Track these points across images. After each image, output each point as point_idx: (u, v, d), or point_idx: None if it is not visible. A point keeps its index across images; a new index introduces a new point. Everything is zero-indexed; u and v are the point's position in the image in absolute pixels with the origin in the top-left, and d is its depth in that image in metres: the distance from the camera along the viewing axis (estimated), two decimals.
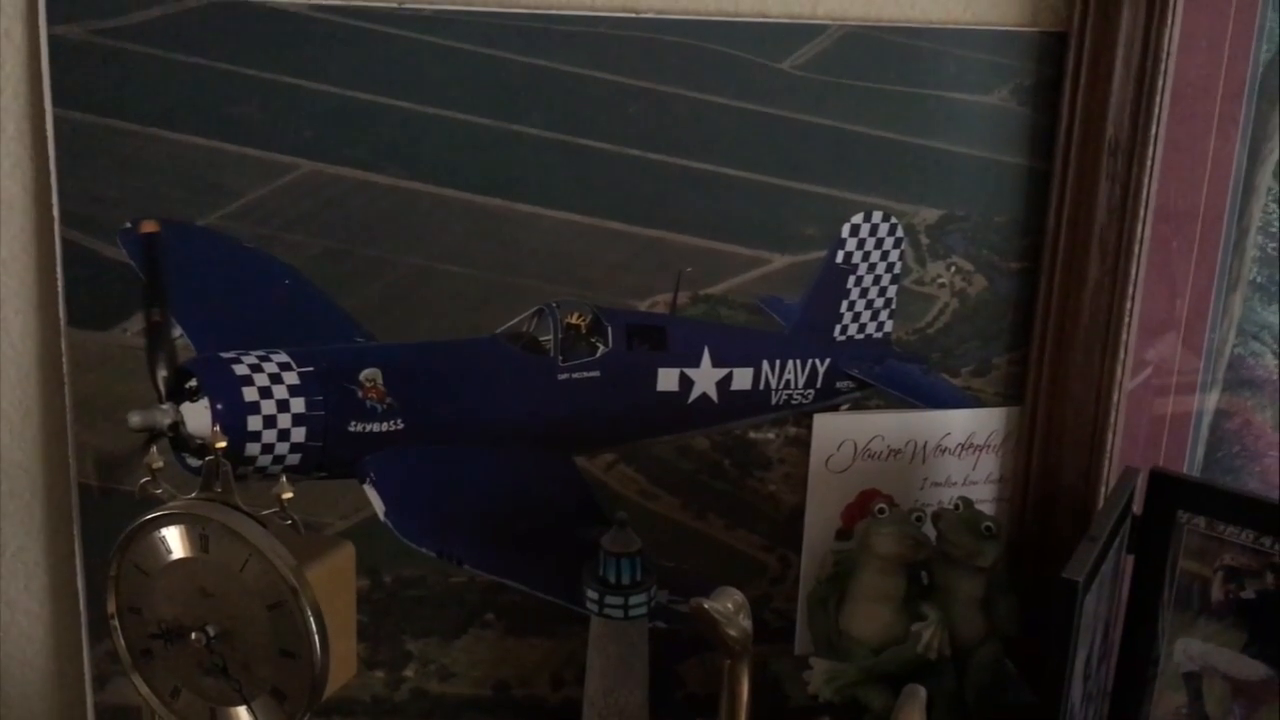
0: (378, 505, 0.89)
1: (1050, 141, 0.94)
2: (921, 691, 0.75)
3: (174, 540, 0.66)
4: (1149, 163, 0.92)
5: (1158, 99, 0.91)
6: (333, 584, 0.69)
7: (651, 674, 0.88)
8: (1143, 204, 0.93)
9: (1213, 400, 1.02)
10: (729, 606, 0.72)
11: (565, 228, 0.90)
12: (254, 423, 0.85)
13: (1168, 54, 0.90)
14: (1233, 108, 0.95)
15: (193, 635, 0.66)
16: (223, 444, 0.67)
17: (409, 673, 0.95)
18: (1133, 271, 0.94)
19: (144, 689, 0.70)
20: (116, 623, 0.69)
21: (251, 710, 0.67)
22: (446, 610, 0.94)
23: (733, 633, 0.72)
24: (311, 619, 0.64)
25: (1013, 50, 0.93)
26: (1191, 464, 1.03)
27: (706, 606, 0.71)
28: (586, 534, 0.91)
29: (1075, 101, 0.92)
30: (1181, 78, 0.92)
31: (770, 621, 0.99)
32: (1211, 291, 0.99)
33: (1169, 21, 0.90)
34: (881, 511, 0.90)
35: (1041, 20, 0.93)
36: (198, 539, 0.66)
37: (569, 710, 0.96)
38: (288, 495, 0.66)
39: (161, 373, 0.85)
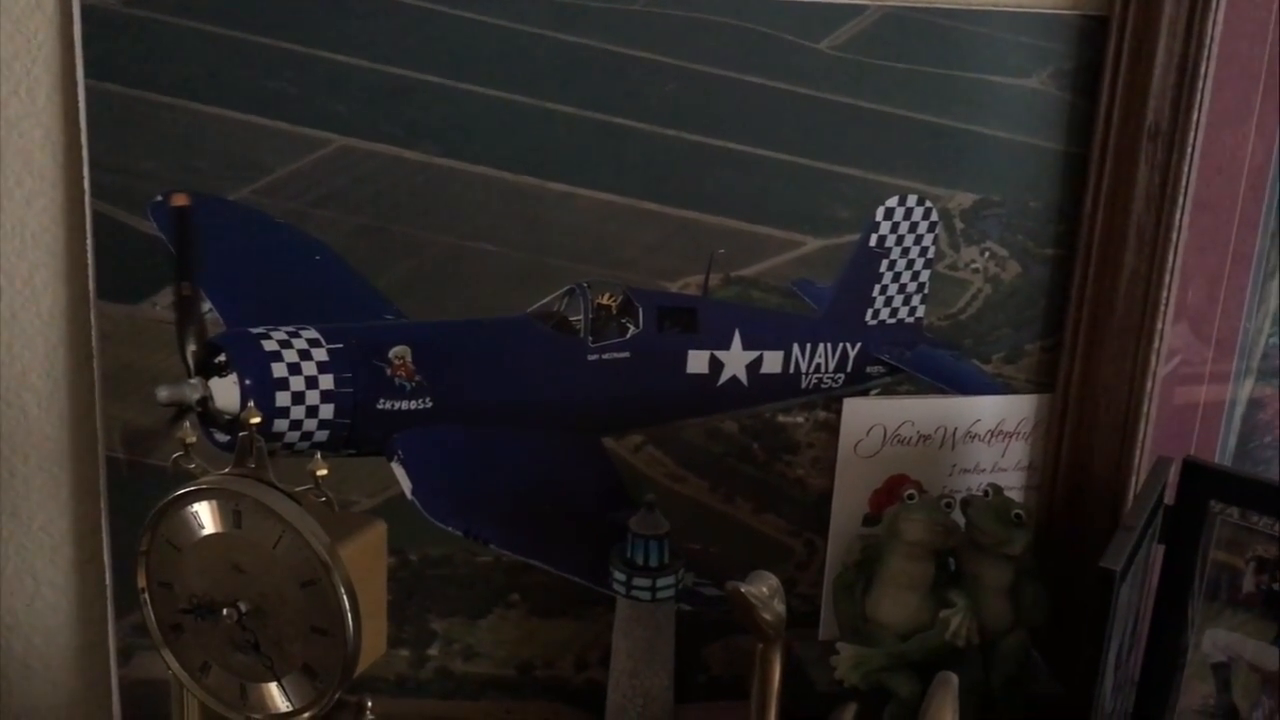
0: (405, 483, 0.89)
1: (1089, 127, 0.93)
2: (954, 679, 0.75)
3: (206, 515, 0.66)
4: (1189, 150, 0.91)
5: (1200, 85, 0.90)
6: (365, 562, 0.68)
7: (675, 657, 0.88)
8: (1182, 191, 0.92)
9: (1246, 390, 1.02)
10: (764, 590, 0.72)
11: (598, 207, 0.89)
12: (282, 399, 0.85)
13: (1211, 40, 0.89)
14: (1274, 94, 0.94)
15: (224, 611, 0.66)
16: (257, 419, 0.66)
17: (433, 651, 0.95)
18: (1170, 260, 0.94)
19: (174, 664, 0.70)
20: (147, 597, 0.69)
21: (282, 687, 0.67)
22: (472, 590, 0.94)
23: (767, 617, 0.72)
24: (345, 597, 0.64)
25: (1053, 34, 0.92)
26: (1223, 454, 1.02)
27: (743, 590, 0.71)
28: (614, 516, 0.91)
29: (1115, 87, 0.91)
30: (1223, 63, 0.91)
31: (795, 606, 0.99)
32: (1248, 280, 0.98)
33: (1213, 5, 0.89)
34: (910, 497, 0.90)
35: (1083, 3, 0.92)
36: (231, 514, 0.66)
37: (592, 692, 0.96)
38: (322, 472, 0.65)
39: (190, 347, 0.85)
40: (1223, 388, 1.01)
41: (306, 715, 0.67)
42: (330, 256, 0.87)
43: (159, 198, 0.84)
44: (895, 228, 0.94)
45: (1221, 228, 0.96)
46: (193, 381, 0.84)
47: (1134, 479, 0.98)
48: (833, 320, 0.95)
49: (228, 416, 0.84)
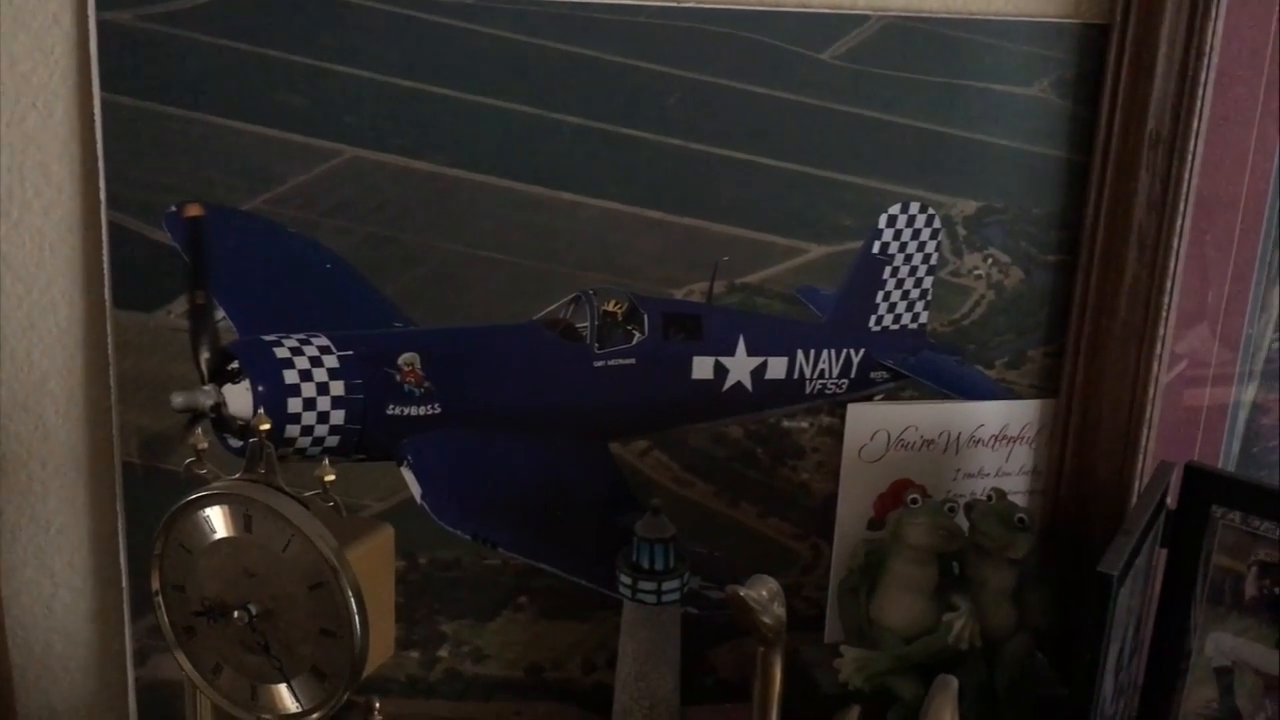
0: (414, 488, 0.90)
1: (1090, 134, 0.94)
2: (953, 682, 0.75)
3: (218, 520, 0.67)
4: (1190, 156, 0.92)
5: (1200, 92, 0.90)
6: (373, 565, 0.70)
7: (683, 659, 0.89)
8: (1183, 197, 0.92)
9: (1249, 394, 1.01)
10: (764, 594, 0.72)
11: (604, 216, 0.90)
12: (294, 405, 0.86)
13: (1211, 47, 0.90)
14: (1275, 99, 0.94)
15: (235, 614, 0.67)
16: (267, 426, 0.67)
17: (443, 653, 0.96)
18: (1171, 265, 0.94)
19: (186, 665, 0.71)
20: (160, 600, 0.70)
21: (292, 688, 0.68)
22: (481, 593, 0.95)
23: (767, 620, 0.72)
24: (352, 599, 0.65)
25: (1054, 42, 0.92)
26: (1227, 458, 1.02)
27: (742, 594, 0.72)
28: (620, 520, 0.91)
29: (1116, 94, 0.91)
30: (1224, 69, 0.91)
31: (800, 609, 1.00)
32: (1250, 284, 0.98)
33: (1213, 14, 0.89)
34: (914, 502, 0.90)
35: (1084, 12, 0.93)
36: (241, 519, 0.67)
37: (600, 694, 0.96)
38: (330, 478, 0.66)
39: (204, 354, 0.86)
40: (1226, 392, 1.01)
41: (316, 716, 0.68)
42: (340, 265, 0.88)
43: (173, 208, 0.86)
44: (898, 235, 0.95)
45: (1224, 231, 0.96)
46: (206, 388, 0.85)
47: (1137, 483, 0.98)
48: (836, 326, 0.96)
49: (240, 422, 0.85)
